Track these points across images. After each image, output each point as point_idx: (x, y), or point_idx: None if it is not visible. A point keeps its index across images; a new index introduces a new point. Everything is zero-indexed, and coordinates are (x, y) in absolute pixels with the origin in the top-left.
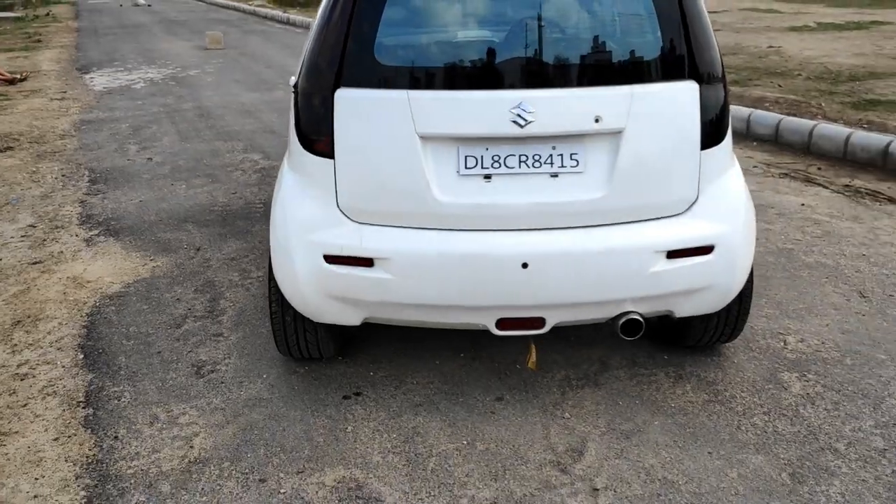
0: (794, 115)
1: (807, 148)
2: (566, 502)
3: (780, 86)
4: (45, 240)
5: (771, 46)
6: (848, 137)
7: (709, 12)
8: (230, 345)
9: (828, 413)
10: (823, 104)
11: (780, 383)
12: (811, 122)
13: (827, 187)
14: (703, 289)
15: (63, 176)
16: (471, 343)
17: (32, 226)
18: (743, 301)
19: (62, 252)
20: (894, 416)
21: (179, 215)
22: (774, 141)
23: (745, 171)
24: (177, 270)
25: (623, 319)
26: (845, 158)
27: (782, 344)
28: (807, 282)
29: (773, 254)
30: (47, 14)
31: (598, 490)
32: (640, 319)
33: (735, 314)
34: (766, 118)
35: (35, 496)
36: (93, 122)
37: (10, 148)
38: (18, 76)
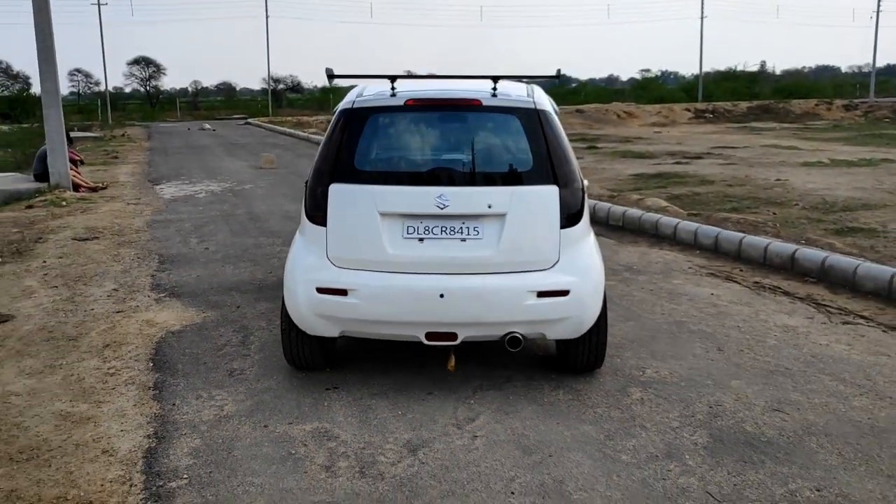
0: (750, 233)
1: (737, 255)
2: (454, 440)
3: (775, 213)
4: (125, 298)
5: (778, 179)
6: (766, 246)
7: (730, 147)
8: (254, 360)
9: (650, 409)
10: (778, 227)
11: (627, 393)
12: (740, 235)
13: (739, 283)
14: (563, 319)
15: (138, 258)
16: (415, 360)
17: (115, 290)
18: (600, 334)
19: (138, 306)
20: (696, 413)
21: (226, 286)
22: (714, 250)
23: (680, 272)
24: (221, 319)
25: (508, 336)
26: (765, 264)
27: (640, 373)
28: (683, 341)
29: (668, 324)
30: (122, 135)
31: (476, 437)
32: (520, 337)
33: (595, 344)
34: (709, 231)
35: (122, 431)
36: (162, 221)
37: (97, 238)
38: (100, 185)
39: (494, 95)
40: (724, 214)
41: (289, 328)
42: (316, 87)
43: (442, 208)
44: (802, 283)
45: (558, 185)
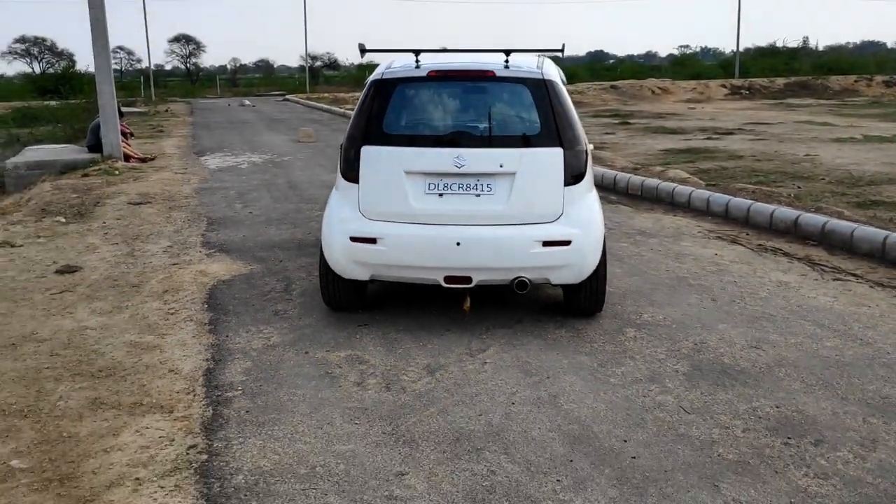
0: (762, 201)
1: (746, 221)
2: (467, 365)
3: (799, 187)
4: (179, 253)
5: (807, 154)
6: (772, 212)
7: (763, 123)
8: (296, 303)
9: (640, 345)
10: (792, 196)
11: (622, 332)
12: (748, 202)
13: (744, 245)
14: (565, 266)
15: (188, 220)
16: (436, 303)
17: (170, 246)
18: (599, 281)
19: (191, 259)
20: (681, 348)
21: (269, 244)
22: (725, 216)
23: (690, 235)
24: (266, 270)
25: (516, 280)
26: (771, 229)
27: (637, 317)
28: (681, 292)
29: (670, 279)
30: (166, 110)
31: (486, 363)
32: (527, 281)
33: (595, 290)
34: (720, 199)
35: (184, 356)
36: (208, 189)
37: (150, 202)
38: (150, 156)
39: (507, 67)
40: (741, 185)
41: (326, 273)
42: (353, 64)
43: (459, 167)
44: (803, 246)
45: (563, 148)
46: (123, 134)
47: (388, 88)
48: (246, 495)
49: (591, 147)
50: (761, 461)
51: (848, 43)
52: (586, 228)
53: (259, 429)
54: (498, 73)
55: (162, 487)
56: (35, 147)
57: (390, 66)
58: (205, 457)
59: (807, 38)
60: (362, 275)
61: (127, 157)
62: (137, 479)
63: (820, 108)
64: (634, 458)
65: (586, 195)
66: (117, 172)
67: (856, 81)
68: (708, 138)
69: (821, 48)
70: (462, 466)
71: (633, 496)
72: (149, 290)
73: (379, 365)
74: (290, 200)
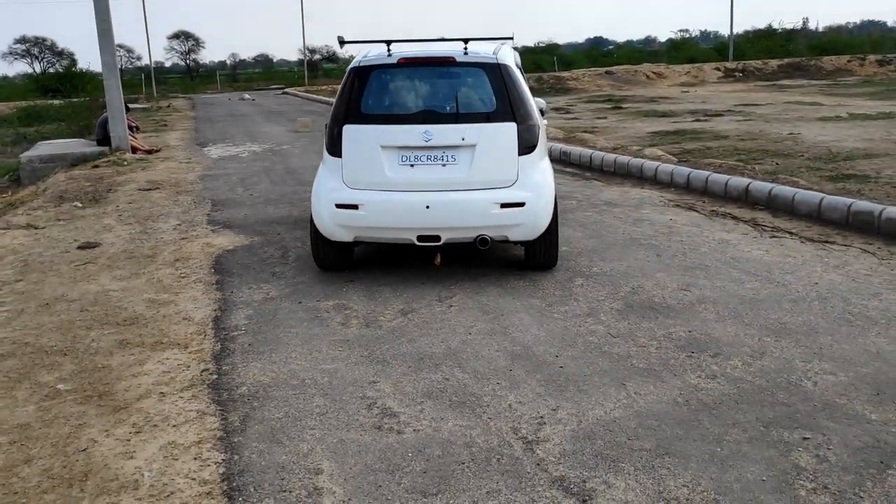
0: (726, 174)
1: (704, 190)
2: (435, 308)
3: (777, 164)
4: (187, 230)
5: (791, 133)
6: (727, 182)
7: (753, 105)
8: (291, 266)
9: (585, 290)
10: (756, 169)
11: (572, 281)
12: (706, 173)
13: (698, 212)
14: (520, 224)
15: (194, 202)
16: (413, 263)
17: (179, 224)
18: (552, 237)
19: (198, 234)
20: (620, 292)
21: (268, 220)
22: (686, 187)
23: (651, 204)
24: (265, 241)
25: (479, 237)
26: (726, 196)
27: (588, 269)
28: (631, 250)
29: (624, 240)
30: (168, 106)
31: (452, 306)
32: (488, 238)
33: (548, 245)
34: (682, 171)
35: (195, 307)
36: (211, 175)
37: (158, 188)
38: (155, 148)
39: (466, 53)
40: (708, 160)
41: (316, 238)
42: (352, 57)
43: (427, 141)
44: (752, 210)
45: (517, 122)
46: (130, 128)
47: (365, 74)
48: (248, 399)
49: (544, 122)
50: (664, 368)
51: (848, 23)
52: (538, 192)
53: (259, 356)
54: (458, 59)
55: (182, 397)
56: (47, 142)
57: (367, 55)
58: (215, 376)
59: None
60: (347, 237)
61: (134, 149)
62: (162, 392)
63: (811, 89)
64: (562, 367)
65: (538, 163)
66: (126, 163)
67: (849, 61)
68: (696, 120)
69: (821, 29)
70: (422, 376)
71: (555, 391)
72: (162, 259)
73: (361, 310)
74: (287, 184)
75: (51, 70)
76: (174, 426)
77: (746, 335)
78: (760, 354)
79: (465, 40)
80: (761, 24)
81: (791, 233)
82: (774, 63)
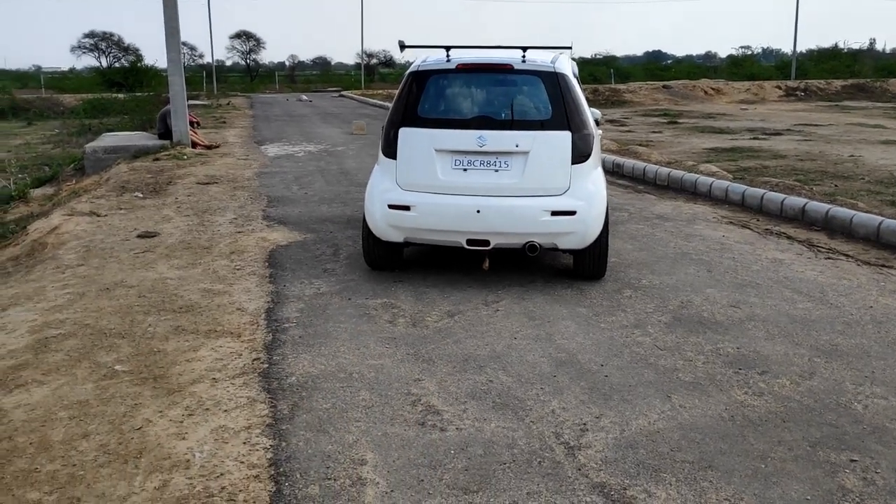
0: (783, 193)
1: (759, 208)
2: (481, 311)
3: (836, 186)
4: (243, 224)
5: (851, 155)
6: (783, 201)
7: (813, 125)
8: (342, 264)
9: (634, 301)
10: (813, 189)
11: (620, 292)
12: (762, 191)
13: (752, 229)
14: (571, 233)
15: (251, 198)
16: (461, 266)
17: (235, 218)
18: (601, 248)
19: (253, 229)
20: (668, 305)
21: (321, 218)
22: (741, 204)
23: (704, 220)
24: (318, 239)
25: (528, 244)
26: (781, 216)
27: (637, 282)
28: (681, 265)
29: (675, 254)
30: (228, 103)
31: (498, 310)
32: (537, 245)
33: (598, 256)
34: (737, 188)
35: (249, 299)
36: (268, 173)
37: (216, 183)
38: (214, 144)
39: (524, 61)
40: (765, 179)
41: (367, 236)
42: (408, 62)
43: (481, 146)
44: (807, 231)
45: (571, 131)
46: (190, 123)
47: (423, 79)
48: (297, 389)
49: (599, 132)
50: (711, 383)
51: None
52: (590, 201)
53: (309, 348)
54: (516, 66)
55: (234, 384)
56: (111, 134)
57: (425, 59)
58: (266, 365)
59: (874, 39)
60: (397, 237)
61: (194, 144)
62: (214, 378)
63: (875, 111)
64: (607, 376)
65: (591, 173)
66: (185, 157)
67: None
68: (754, 138)
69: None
70: (467, 377)
71: (599, 399)
72: (218, 251)
73: (408, 309)
74: (341, 184)
75: (116, 65)
76: (225, 411)
77: (796, 355)
78: (810, 375)
79: (524, 48)
80: (825, 44)
81: (847, 255)
82: (838, 83)
